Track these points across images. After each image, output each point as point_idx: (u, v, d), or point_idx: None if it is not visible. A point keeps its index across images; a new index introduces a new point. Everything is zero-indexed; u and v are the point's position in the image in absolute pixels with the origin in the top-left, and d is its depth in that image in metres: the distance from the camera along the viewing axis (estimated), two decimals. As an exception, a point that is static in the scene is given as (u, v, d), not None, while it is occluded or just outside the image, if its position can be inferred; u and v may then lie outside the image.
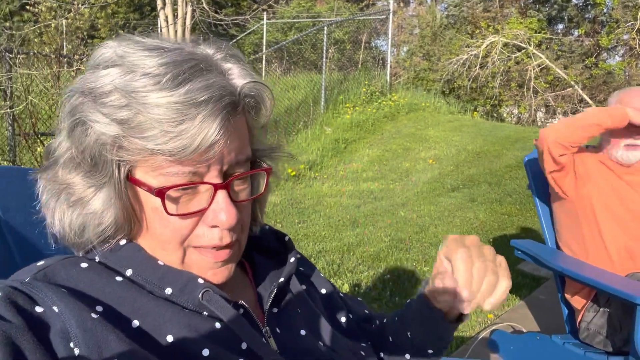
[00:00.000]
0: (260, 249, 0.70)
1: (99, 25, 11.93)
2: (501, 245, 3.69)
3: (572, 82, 10.38)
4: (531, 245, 1.92)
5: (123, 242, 0.55)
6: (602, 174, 1.75)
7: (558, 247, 1.94)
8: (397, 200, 4.92)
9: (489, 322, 2.62)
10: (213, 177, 0.51)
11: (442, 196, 5.01)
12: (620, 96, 1.74)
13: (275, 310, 0.62)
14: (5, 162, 4.10)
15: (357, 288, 2.89)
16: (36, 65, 4.57)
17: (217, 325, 0.53)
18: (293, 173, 5.65)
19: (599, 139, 1.86)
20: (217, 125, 0.48)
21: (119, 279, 0.52)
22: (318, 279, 0.74)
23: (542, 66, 10.52)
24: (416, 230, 3.96)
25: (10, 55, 4.04)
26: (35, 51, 4.69)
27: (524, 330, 2.32)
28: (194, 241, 0.53)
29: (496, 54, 10.62)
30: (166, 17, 9.71)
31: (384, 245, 3.59)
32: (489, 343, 2.23)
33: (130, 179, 0.51)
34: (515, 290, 2.99)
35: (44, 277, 0.49)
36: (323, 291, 0.73)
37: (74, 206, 0.52)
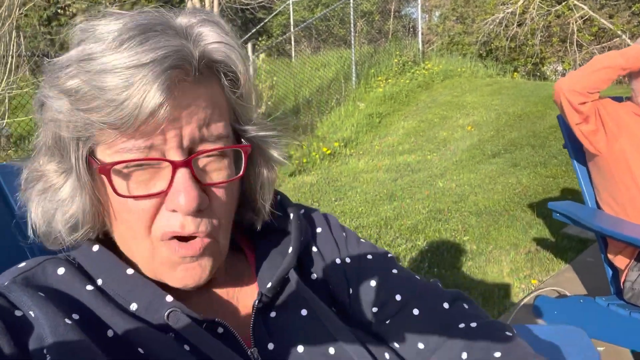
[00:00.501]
0: (267, 229, 0.62)
1: (132, 22, 12.23)
2: (546, 208, 3.55)
3: (619, 32, 9.71)
4: (569, 206, 1.85)
5: (96, 247, 0.53)
6: (637, 124, 1.65)
7: (599, 207, 1.86)
8: (435, 170, 4.83)
9: (532, 287, 2.55)
10: (173, 153, 0.46)
11: (482, 163, 4.87)
12: None
13: (273, 314, 0.56)
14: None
15: (395, 261, 2.88)
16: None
17: (186, 347, 0.48)
18: (328, 152, 5.65)
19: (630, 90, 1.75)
20: (156, 89, 0.42)
21: (89, 287, 0.49)
22: (342, 255, 0.64)
23: (585, 17, 9.88)
24: (455, 200, 3.89)
25: (48, 60, 4.22)
26: (72, 54, 4.86)
27: (568, 295, 2.25)
28: (158, 229, 0.48)
29: (534, 9, 10.07)
30: (194, 6, 9.81)
31: (422, 217, 3.55)
32: (533, 309, 2.18)
33: (89, 159, 0.48)
34: (560, 254, 2.89)
35: (23, 280, 0.48)
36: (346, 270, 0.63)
37: (45, 193, 0.50)
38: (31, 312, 0.45)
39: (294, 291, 0.57)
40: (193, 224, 0.48)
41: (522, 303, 2.22)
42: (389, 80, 7.66)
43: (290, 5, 9.57)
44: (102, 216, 0.51)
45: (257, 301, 0.55)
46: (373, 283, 0.62)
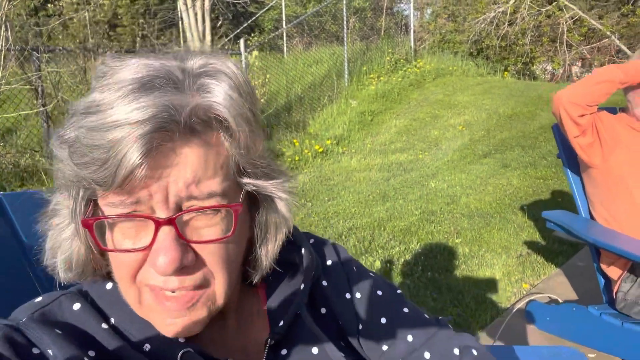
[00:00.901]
0: (278, 262, 0.59)
1: (121, 14, 12.03)
2: (537, 210, 3.61)
3: (608, 33, 9.82)
4: (563, 216, 1.87)
5: (109, 285, 0.53)
6: (632, 138, 1.67)
7: (592, 217, 1.89)
8: (427, 170, 4.86)
9: (524, 292, 2.59)
10: (159, 208, 0.45)
11: (474, 163, 4.92)
12: None
13: (284, 352, 0.56)
14: (43, 158, 4.27)
15: (388, 264, 2.91)
16: (63, 62, 4.68)
17: None
18: (321, 150, 5.65)
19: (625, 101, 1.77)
20: (134, 150, 0.42)
21: (104, 326, 0.50)
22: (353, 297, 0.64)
23: (575, 18, 9.97)
24: (447, 202, 3.92)
25: (37, 54, 4.15)
26: (61, 47, 4.79)
27: (560, 300, 2.29)
28: (143, 280, 0.48)
29: (525, 9, 10.12)
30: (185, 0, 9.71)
31: (415, 219, 3.57)
32: (525, 314, 2.21)
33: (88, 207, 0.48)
34: (551, 257, 2.94)
35: (40, 316, 0.49)
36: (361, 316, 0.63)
37: (55, 229, 0.51)
38: (49, 351, 0.45)
39: (306, 328, 0.58)
40: (177, 280, 0.47)
41: (516, 309, 2.25)
42: (381, 78, 7.66)
43: (283, 0, 9.51)
44: (96, 263, 0.52)
45: (268, 339, 0.55)
46: (384, 320, 0.63)
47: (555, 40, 10.51)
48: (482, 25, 10.53)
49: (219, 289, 0.50)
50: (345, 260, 0.66)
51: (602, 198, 1.77)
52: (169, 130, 0.44)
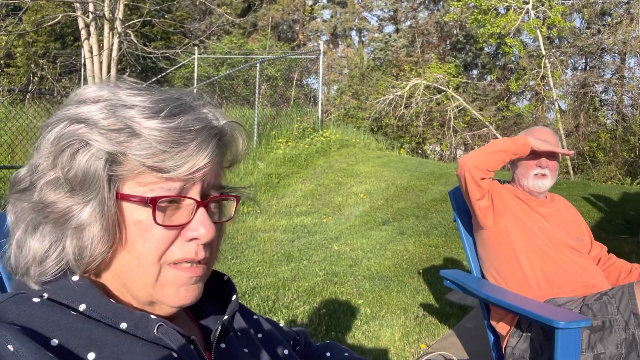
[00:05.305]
0: None
1: (16, 54, 11.25)
2: (430, 275, 3.85)
3: (487, 123, 11.26)
4: (458, 274, 2.03)
5: (75, 277, 0.55)
6: (518, 206, 1.91)
7: (483, 276, 2.07)
8: (331, 234, 4.98)
9: (421, 352, 2.69)
10: (195, 194, 0.56)
11: (374, 229, 5.15)
12: (527, 132, 1.97)
13: (222, 345, 0.64)
14: None
15: (293, 324, 2.86)
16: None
17: (175, 355, 0.54)
18: (225, 208, 5.57)
19: (511, 174, 2.04)
20: (209, 151, 0.55)
21: (73, 313, 0.52)
22: (256, 320, 0.77)
23: (460, 107, 11.34)
24: (350, 264, 4.03)
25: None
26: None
27: (455, 359, 2.42)
28: (170, 257, 0.55)
29: (419, 95, 11.31)
30: (90, 47, 9.39)
31: (319, 280, 3.60)
32: (423, 373, 2.29)
33: (118, 195, 0.53)
34: (444, 319, 3.11)
35: None
36: (264, 329, 0.77)
37: (55, 225, 0.52)
38: (9, 347, 0.45)
39: (238, 331, 0.69)
40: (203, 251, 0.57)
41: (414, 367, 2.32)
42: (289, 143, 7.90)
43: (196, 60, 9.62)
44: (113, 244, 0.55)
45: (218, 326, 0.62)
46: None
47: (444, 125, 11.78)
48: (382, 105, 11.51)
49: (210, 268, 0.61)
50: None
51: (491, 259, 1.96)
52: (221, 138, 0.58)
